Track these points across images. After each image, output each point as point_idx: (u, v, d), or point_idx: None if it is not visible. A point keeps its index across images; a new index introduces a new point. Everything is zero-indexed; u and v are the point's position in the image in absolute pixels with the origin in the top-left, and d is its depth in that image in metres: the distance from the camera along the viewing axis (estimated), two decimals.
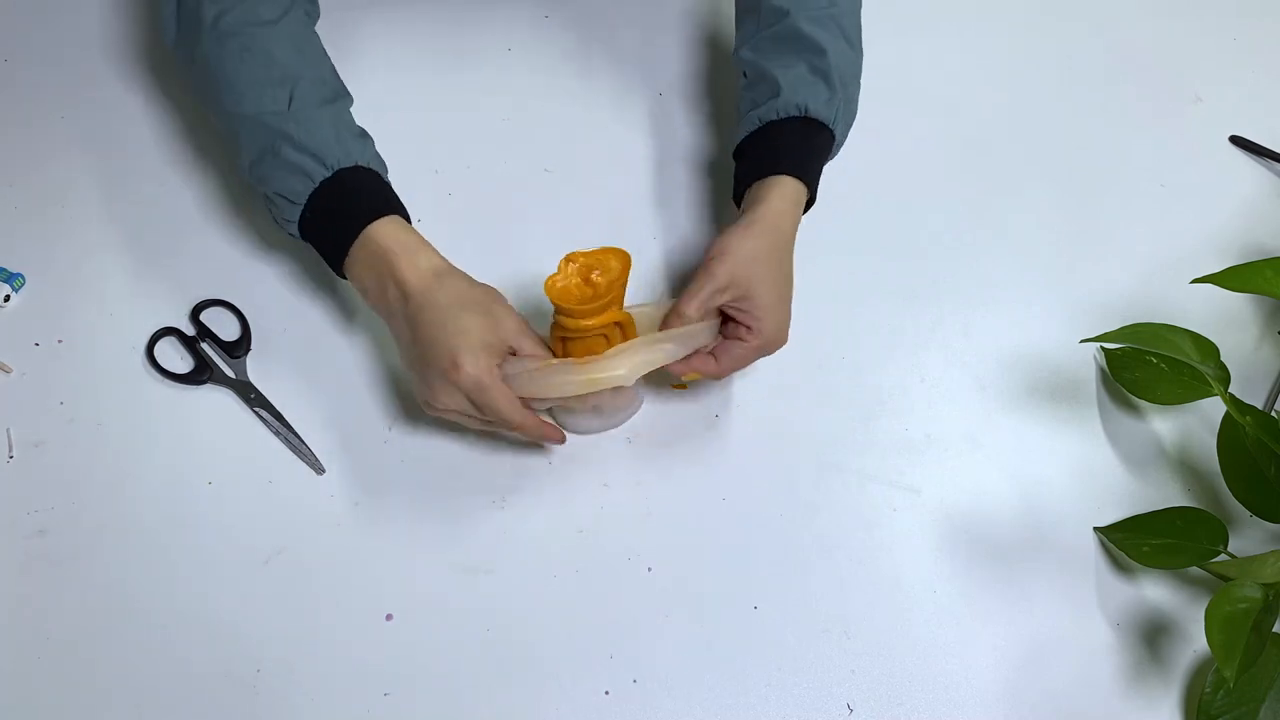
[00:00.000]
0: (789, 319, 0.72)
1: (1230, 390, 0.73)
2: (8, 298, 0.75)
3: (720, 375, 0.71)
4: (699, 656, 0.69)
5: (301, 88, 0.69)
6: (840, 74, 0.76)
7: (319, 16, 0.78)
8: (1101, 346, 0.84)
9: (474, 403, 0.65)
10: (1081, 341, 0.80)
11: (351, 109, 0.73)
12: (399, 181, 0.81)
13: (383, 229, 0.67)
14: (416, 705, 0.66)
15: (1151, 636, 0.74)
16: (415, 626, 0.68)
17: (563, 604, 0.70)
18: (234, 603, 0.67)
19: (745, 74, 0.78)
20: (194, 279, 0.78)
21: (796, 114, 0.74)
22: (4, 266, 0.76)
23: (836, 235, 0.86)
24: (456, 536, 0.71)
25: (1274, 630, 0.66)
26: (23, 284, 0.76)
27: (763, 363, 0.79)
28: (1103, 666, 0.72)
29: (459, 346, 0.63)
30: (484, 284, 0.69)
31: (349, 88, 0.74)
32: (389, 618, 0.68)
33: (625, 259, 0.66)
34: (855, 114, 0.79)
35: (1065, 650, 0.72)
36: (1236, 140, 0.97)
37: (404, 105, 0.86)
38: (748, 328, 0.70)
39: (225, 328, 0.76)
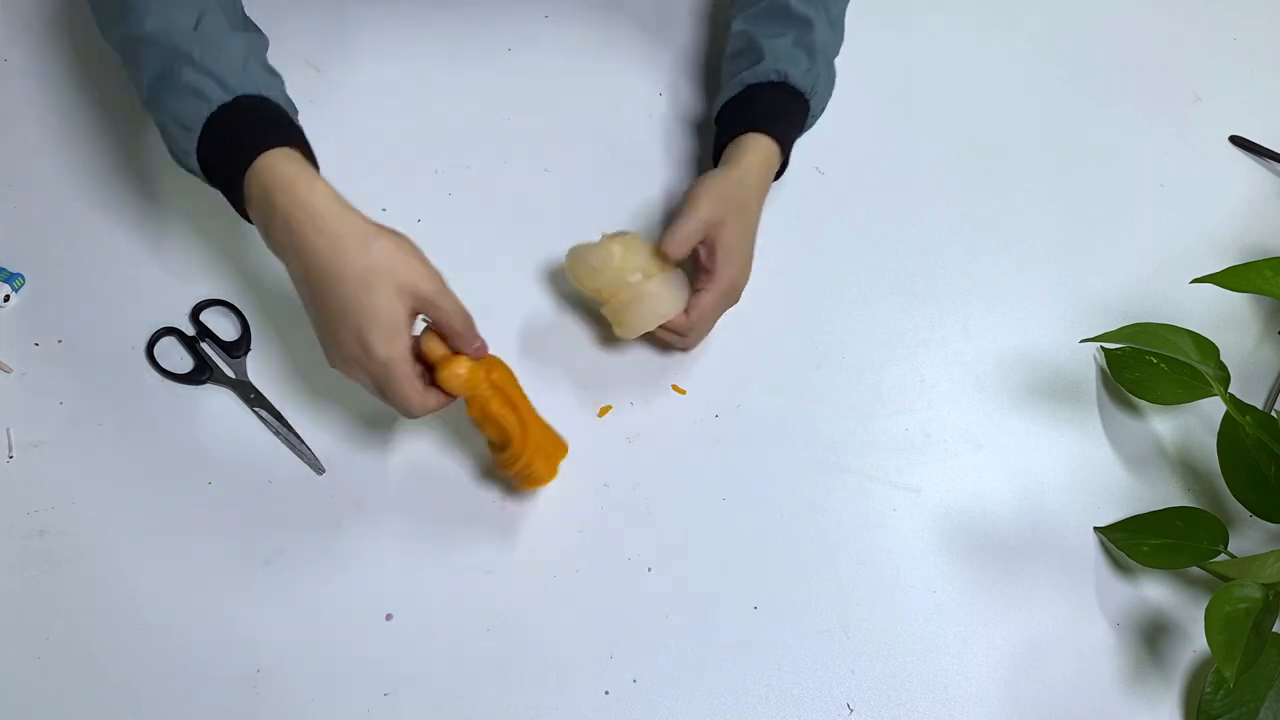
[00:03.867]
0: (749, 270, 0.75)
1: (1230, 390, 0.73)
2: (8, 298, 0.75)
3: (690, 328, 0.74)
4: (699, 656, 0.69)
5: (212, 13, 0.64)
6: (823, 49, 0.80)
7: None
8: (1101, 346, 0.84)
9: (379, 386, 0.62)
10: (1081, 341, 0.80)
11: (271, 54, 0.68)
12: (399, 180, 0.81)
13: (271, 161, 0.61)
14: (416, 705, 0.66)
15: (1151, 636, 0.74)
16: (415, 626, 0.68)
17: (563, 604, 0.70)
18: (234, 603, 0.67)
19: (736, 45, 0.82)
20: (194, 279, 0.78)
21: (776, 79, 0.77)
22: (4, 266, 0.76)
23: (837, 235, 0.87)
24: (456, 536, 0.71)
25: (1274, 630, 0.66)
26: (23, 284, 0.76)
27: (763, 363, 0.79)
28: (1103, 666, 0.72)
29: (368, 328, 0.60)
30: (387, 230, 0.63)
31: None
32: (389, 618, 0.68)
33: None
34: (832, 91, 0.82)
35: (1065, 650, 0.72)
36: (1236, 140, 0.97)
37: (404, 105, 0.86)
38: (708, 272, 0.73)
39: (225, 328, 0.76)
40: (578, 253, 0.75)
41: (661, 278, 0.73)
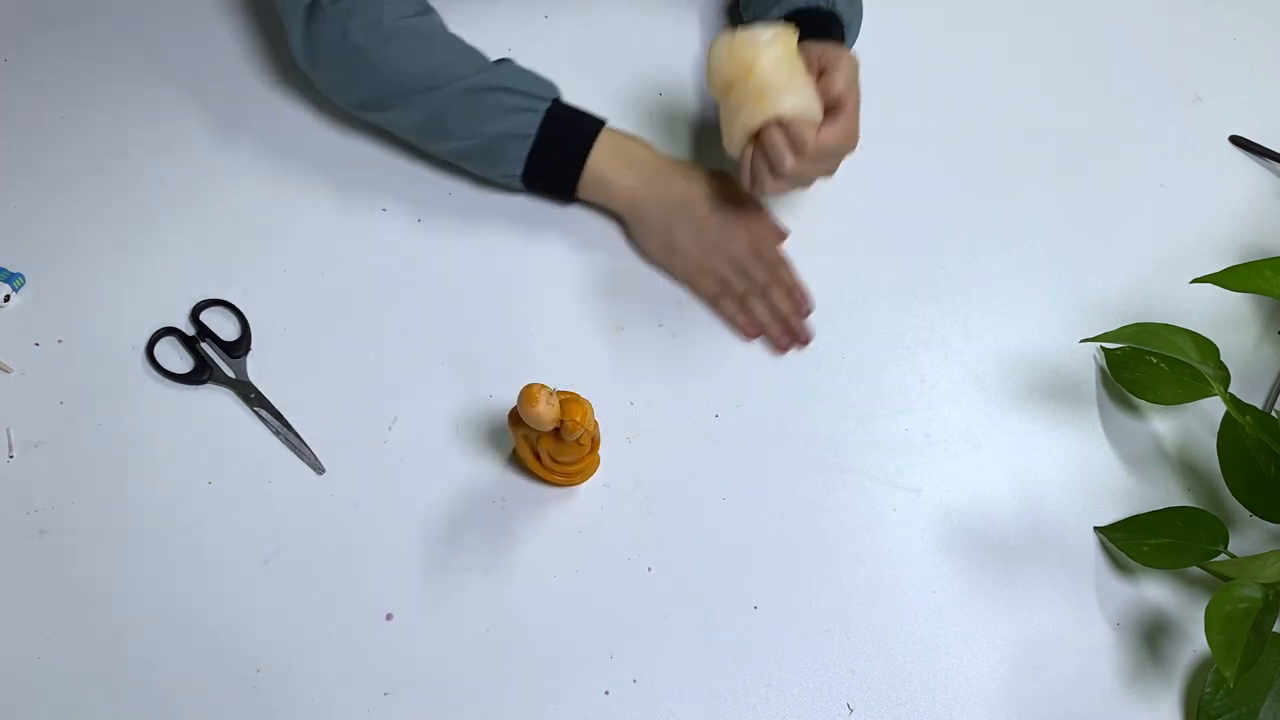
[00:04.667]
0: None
1: (1230, 390, 0.73)
2: (8, 298, 0.75)
3: (806, 145, 0.72)
4: (699, 656, 0.69)
5: (479, 54, 0.78)
6: None
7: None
8: (1101, 346, 0.84)
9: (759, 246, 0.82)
10: (1081, 341, 0.80)
11: None
12: (399, 180, 0.81)
13: (610, 133, 0.80)
14: (416, 705, 0.66)
15: (1151, 636, 0.74)
16: (415, 626, 0.68)
17: (563, 604, 0.70)
18: (234, 603, 0.67)
19: None
20: (194, 279, 0.78)
21: (826, 6, 0.82)
22: (4, 266, 0.76)
23: (837, 235, 0.86)
24: (456, 536, 0.71)
25: (1274, 630, 0.66)
26: (23, 284, 0.76)
27: (763, 363, 0.80)
28: (1103, 666, 0.72)
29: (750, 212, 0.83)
30: None
31: None
32: (389, 618, 0.68)
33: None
34: (857, 36, 0.87)
35: (1065, 650, 0.72)
36: (1236, 140, 0.97)
37: None
38: (839, 108, 0.75)
39: (225, 328, 0.76)
40: (750, 31, 0.71)
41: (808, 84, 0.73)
